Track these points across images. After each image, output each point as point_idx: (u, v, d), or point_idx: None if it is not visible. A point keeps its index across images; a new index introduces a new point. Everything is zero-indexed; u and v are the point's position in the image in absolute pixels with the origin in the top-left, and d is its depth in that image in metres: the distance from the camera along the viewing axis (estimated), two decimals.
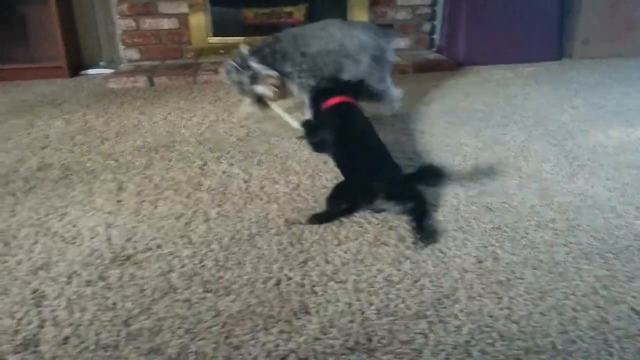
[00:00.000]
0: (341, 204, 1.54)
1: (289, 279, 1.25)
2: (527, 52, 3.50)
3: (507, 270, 1.26)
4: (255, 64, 2.03)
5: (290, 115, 2.19)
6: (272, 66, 2.06)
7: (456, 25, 3.51)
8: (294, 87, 2.16)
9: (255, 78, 2.04)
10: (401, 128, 2.28)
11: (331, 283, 1.23)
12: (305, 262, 1.32)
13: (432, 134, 2.21)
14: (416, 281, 1.23)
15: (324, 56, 2.11)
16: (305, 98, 2.13)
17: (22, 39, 3.52)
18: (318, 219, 1.51)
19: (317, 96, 1.86)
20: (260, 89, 2.06)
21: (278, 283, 1.24)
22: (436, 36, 3.76)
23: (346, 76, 2.09)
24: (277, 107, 2.18)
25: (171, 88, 3.11)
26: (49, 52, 3.49)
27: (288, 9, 3.68)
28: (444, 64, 3.41)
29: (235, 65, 2.06)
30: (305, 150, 2.02)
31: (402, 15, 3.65)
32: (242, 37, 3.58)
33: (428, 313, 1.13)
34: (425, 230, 1.43)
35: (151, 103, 2.77)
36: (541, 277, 1.24)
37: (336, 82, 1.92)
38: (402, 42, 3.70)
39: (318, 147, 1.82)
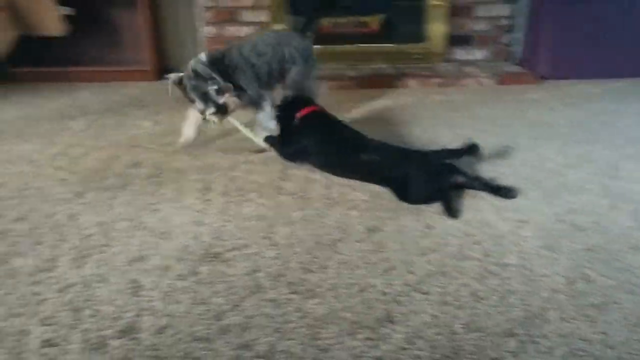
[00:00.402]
0: (436, 197, 1.66)
1: (372, 286, 1.26)
2: (615, 67, 3.35)
3: (601, 294, 1.22)
4: (216, 75, 2.00)
5: (249, 129, 2.16)
6: (228, 78, 2.05)
7: (539, 37, 3.41)
8: (245, 99, 2.14)
9: (220, 89, 2.00)
10: (481, 141, 2.24)
11: (415, 294, 1.23)
12: (387, 270, 1.32)
13: (513, 148, 2.16)
14: (503, 298, 1.21)
15: (269, 64, 2.18)
16: (258, 109, 2.17)
17: (113, 44, 3.73)
18: (456, 211, 1.62)
19: (290, 107, 1.99)
20: (224, 99, 2.01)
21: (362, 290, 1.25)
22: (516, 48, 3.67)
23: (289, 79, 2.22)
24: (236, 122, 2.14)
25: None
26: (137, 56, 3.68)
27: (364, 19, 3.70)
28: (524, 77, 3.32)
29: (194, 75, 2.01)
30: None
31: (481, 26, 3.58)
32: (318, 46, 3.66)
33: (517, 332, 1.10)
34: (501, 187, 1.71)
35: None
36: (639, 303, 1.18)
37: (299, 95, 2.08)
38: (479, 54, 3.64)
39: (296, 155, 1.96)
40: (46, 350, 1.06)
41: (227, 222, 1.58)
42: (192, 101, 2.05)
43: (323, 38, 3.67)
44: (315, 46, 3.58)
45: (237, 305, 1.20)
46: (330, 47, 3.64)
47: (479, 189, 1.72)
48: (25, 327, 1.13)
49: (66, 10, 3.33)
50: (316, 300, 1.21)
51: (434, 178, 1.68)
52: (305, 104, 2.00)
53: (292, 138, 1.96)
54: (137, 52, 3.70)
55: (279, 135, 2.04)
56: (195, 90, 2.01)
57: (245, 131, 2.14)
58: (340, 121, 1.98)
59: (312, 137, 1.91)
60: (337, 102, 2.90)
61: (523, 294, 1.23)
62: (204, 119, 2.08)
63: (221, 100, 2.00)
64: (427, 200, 1.66)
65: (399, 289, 1.25)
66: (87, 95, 3.19)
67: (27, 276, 1.31)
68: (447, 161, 1.76)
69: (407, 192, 1.68)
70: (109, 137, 2.37)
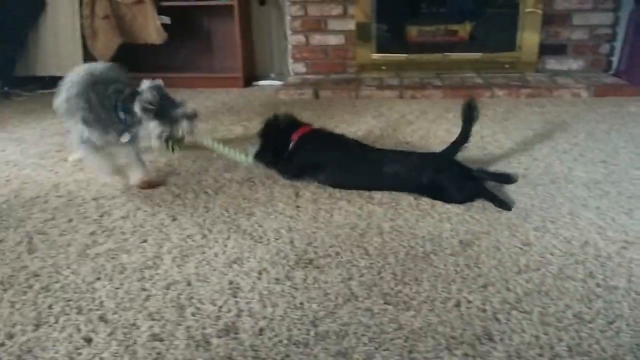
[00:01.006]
0: (476, 194, 1.76)
1: (469, 302, 1.24)
2: None
3: None
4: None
5: (228, 148, 2.09)
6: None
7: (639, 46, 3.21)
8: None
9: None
10: (578, 155, 2.14)
11: (514, 312, 1.19)
12: (484, 286, 1.29)
13: (614, 164, 2.05)
14: (611, 322, 1.15)
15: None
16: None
17: (207, 51, 3.91)
18: (507, 203, 1.71)
19: (281, 128, 1.96)
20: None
21: (458, 304, 1.23)
22: (615, 58, 3.48)
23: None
24: (211, 142, 2.08)
25: (334, 101, 3.24)
26: (228, 63, 3.83)
27: (453, 27, 3.65)
28: (624, 89, 3.13)
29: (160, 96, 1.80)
30: None
31: (577, 35, 3.43)
32: (404, 54, 3.65)
33: (627, 358, 1.04)
34: (502, 174, 1.85)
35: (318, 115, 2.91)
36: None
37: (286, 115, 2.01)
38: (575, 64, 3.48)
39: (301, 171, 1.94)
40: (154, 344, 1.12)
41: (319, 229, 1.60)
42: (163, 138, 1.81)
43: (409, 47, 3.67)
44: (401, 55, 3.61)
45: (333, 312, 1.21)
46: (416, 56, 3.62)
47: (486, 179, 1.82)
48: (135, 320, 1.20)
49: (164, 20, 3.53)
50: (411, 313, 1.20)
51: (463, 176, 1.77)
52: (299, 124, 1.99)
53: (294, 156, 1.93)
54: (228, 59, 3.85)
55: (265, 152, 1.99)
56: (167, 109, 1.80)
57: (225, 150, 2.08)
58: (343, 135, 2.02)
59: (321, 153, 1.92)
60: (421, 112, 2.88)
61: (633, 319, 1.16)
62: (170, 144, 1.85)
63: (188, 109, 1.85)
64: (470, 198, 1.74)
65: (497, 306, 1.22)
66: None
67: (134, 272, 1.40)
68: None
69: (447, 195, 1.75)
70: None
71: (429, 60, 3.61)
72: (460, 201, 1.73)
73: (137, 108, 1.75)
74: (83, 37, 3.50)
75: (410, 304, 1.24)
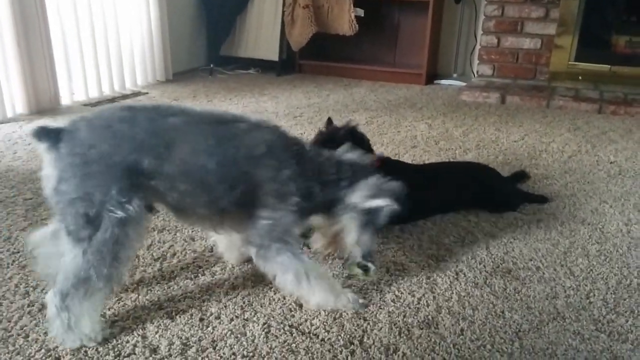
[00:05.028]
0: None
1: None
2: None
3: None
4: None
5: None
6: None
7: None
8: None
9: None
10: None
11: None
12: None
13: None
14: None
15: None
16: None
17: (391, 45, 3.96)
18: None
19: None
20: None
21: None
22: None
23: None
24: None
25: (523, 109, 3.09)
26: (412, 59, 3.84)
27: None
28: None
29: None
30: None
31: None
32: (607, 65, 3.36)
33: None
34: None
35: (505, 121, 2.80)
36: None
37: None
38: None
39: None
40: (359, 322, 1.17)
41: (516, 240, 1.55)
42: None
43: (613, 57, 3.36)
44: (603, 65, 3.32)
45: (538, 328, 1.16)
46: (621, 68, 3.31)
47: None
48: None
49: (358, 12, 3.64)
50: (628, 346, 1.11)
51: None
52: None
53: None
54: (412, 55, 3.87)
55: None
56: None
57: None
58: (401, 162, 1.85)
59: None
60: (625, 130, 2.63)
61: None
62: None
63: None
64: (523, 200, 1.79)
65: None
66: (363, 92, 3.44)
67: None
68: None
69: (508, 202, 1.75)
70: (389, 134, 2.52)
71: (635, 75, 3.27)
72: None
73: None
74: (282, 24, 3.74)
75: (627, 336, 1.14)
